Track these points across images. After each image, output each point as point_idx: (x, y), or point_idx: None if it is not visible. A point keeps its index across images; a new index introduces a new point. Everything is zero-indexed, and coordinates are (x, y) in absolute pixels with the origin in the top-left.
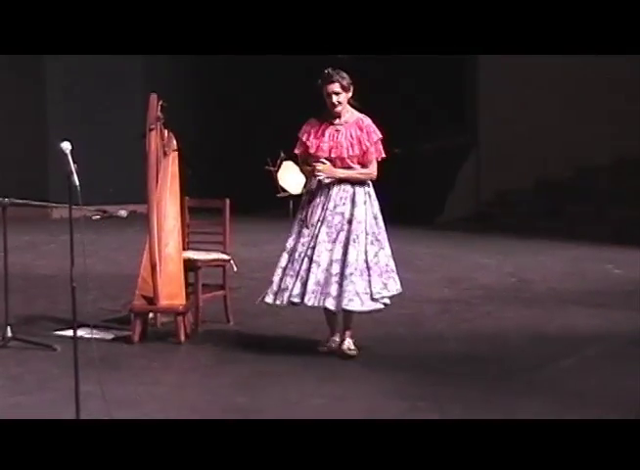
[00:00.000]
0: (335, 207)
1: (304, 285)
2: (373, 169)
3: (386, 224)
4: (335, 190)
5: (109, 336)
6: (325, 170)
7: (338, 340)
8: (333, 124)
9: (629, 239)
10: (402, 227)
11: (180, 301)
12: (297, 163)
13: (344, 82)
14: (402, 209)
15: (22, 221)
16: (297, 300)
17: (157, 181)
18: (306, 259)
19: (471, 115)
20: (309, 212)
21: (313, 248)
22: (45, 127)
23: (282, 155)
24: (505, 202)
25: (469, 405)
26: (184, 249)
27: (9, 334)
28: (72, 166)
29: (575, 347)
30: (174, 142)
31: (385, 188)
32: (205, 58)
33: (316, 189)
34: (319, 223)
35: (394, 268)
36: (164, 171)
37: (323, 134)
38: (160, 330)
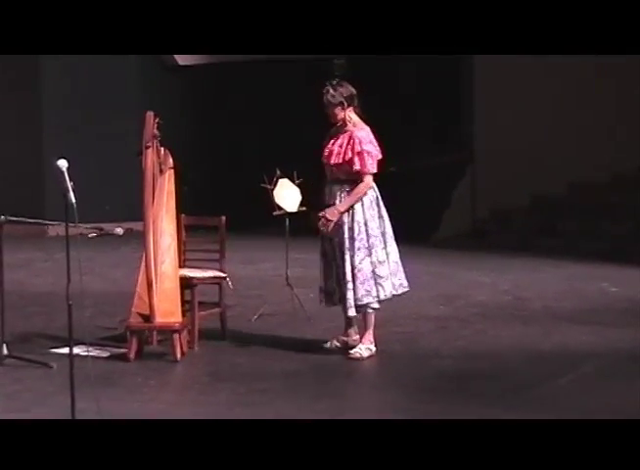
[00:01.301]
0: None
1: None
2: (364, 185)
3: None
4: (328, 199)
5: (105, 353)
6: (326, 223)
7: (340, 340)
8: (339, 132)
9: (625, 256)
10: (398, 245)
11: (176, 318)
12: (292, 180)
13: (333, 98)
14: (397, 226)
15: (18, 239)
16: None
17: (153, 199)
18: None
19: (466, 131)
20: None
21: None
22: (40, 145)
23: (278, 173)
24: (501, 219)
25: None
26: (180, 266)
27: (5, 352)
28: (69, 184)
29: (572, 364)
30: (170, 160)
31: None
32: (202, 73)
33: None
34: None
35: (384, 274)
36: (161, 189)
37: (329, 141)
38: (157, 348)
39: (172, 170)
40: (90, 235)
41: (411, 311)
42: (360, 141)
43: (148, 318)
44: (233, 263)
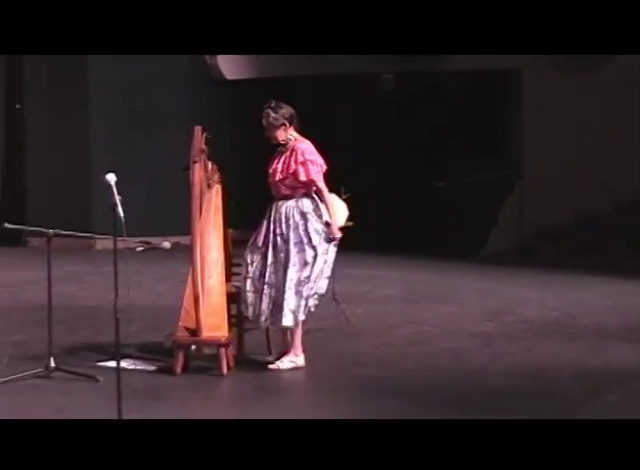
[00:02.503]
0: (276, 229)
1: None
2: (324, 191)
3: (428, 257)
4: (274, 214)
5: (151, 367)
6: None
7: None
8: (280, 151)
9: None
10: (445, 261)
11: (223, 332)
12: (339, 195)
13: (276, 120)
14: (445, 242)
15: (65, 252)
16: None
17: (200, 213)
18: (260, 280)
19: (514, 148)
20: (257, 236)
21: (264, 269)
22: (89, 159)
23: None
24: (548, 235)
25: None
26: (227, 281)
27: (52, 365)
28: (117, 198)
29: (619, 381)
30: (218, 174)
31: (428, 222)
32: (250, 88)
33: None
34: (265, 247)
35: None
36: (208, 203)
37: (273, 161)
38: (203, 362)
39: (220, 185)
40: (138, 249)
41: (458, 327)
42: (302, 151)
43: (194, 332)
44: None
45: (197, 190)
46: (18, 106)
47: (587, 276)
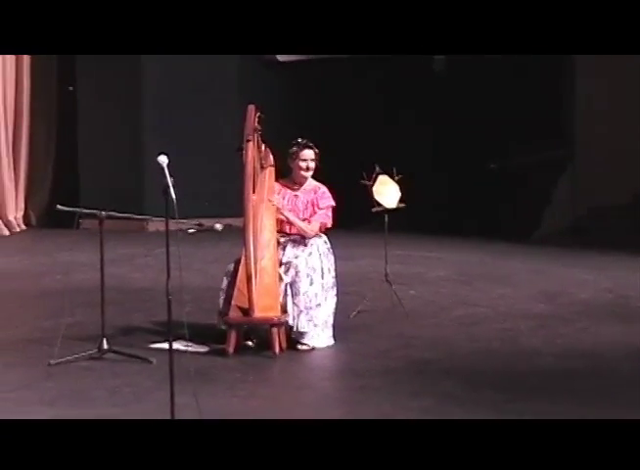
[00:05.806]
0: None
1: None
2: (313, 228)
3: (480, 239)
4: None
5: (204, 348)
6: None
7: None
8: (293, 190)
9: None
10: (498, 242)
11: (275, 313)
12: (392, 177)
13: (317, 153)
14: (498, 223)
15: (117, 234)
16: None
17: (253, 193)
18: None
19: (568, 128)
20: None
21: None
22: (141, 141)
23: (377, 169)
24: (602, 216)
25: None
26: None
27: (105, 346)
28: (169, 180)
29: None
30: (271, 157)
31: (480, 203)
32: (302, 70)
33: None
34: None
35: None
36: (261, 185)
37: (283, 198)
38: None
39: (273, 168)
40: (190, 231)
41: (511, 309)
42: (328, 197)
43: (247, 312)
44: None
45: (249, 168)
46: (70, 88)
47: None
